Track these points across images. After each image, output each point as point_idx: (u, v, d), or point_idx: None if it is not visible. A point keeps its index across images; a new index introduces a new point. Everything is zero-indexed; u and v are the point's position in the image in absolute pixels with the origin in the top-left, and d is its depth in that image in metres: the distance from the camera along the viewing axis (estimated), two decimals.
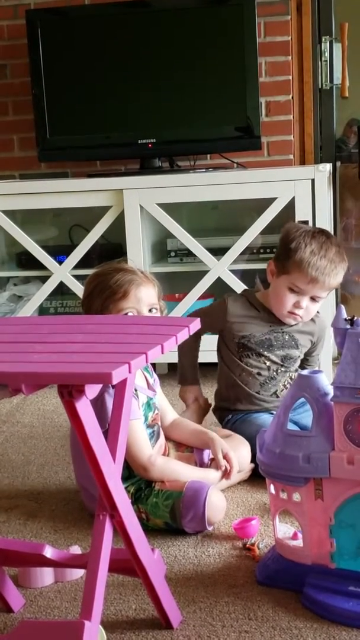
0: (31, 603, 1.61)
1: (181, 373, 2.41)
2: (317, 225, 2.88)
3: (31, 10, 3.31)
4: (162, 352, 1.27)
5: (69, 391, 1.19)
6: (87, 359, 1.22)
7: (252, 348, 2.23)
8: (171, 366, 3.17)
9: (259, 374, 2.25)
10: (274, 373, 2.25)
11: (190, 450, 2.08)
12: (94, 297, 1.93)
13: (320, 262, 2.10)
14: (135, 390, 1.89)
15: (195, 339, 2.35)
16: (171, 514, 1.83)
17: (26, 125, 3.41)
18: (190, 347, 2.35)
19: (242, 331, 2.23)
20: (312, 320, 2.29)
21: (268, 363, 2.25)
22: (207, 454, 2.04)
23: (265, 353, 2.23)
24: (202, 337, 2.37)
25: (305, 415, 1.99)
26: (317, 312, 2.33)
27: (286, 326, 2.25)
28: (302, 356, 2.30)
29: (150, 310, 1.94)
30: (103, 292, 1.92)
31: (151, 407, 1.97)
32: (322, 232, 2.18)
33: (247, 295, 2.30)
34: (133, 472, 1.90)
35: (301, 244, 2.11)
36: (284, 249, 2.15)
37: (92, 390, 1.21)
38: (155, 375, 2.04)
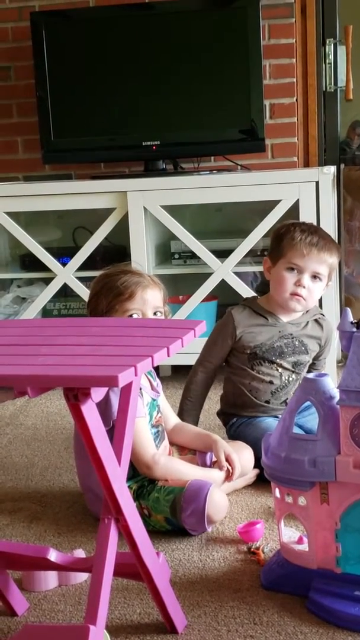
0: (35, 607, 1.60)
1: (182, 411, 2.31)
2: (322, 227, 2.87)
3: (36, 12, 3.31)
4: (168, 355, 1.27)
5: (75, 394, 1.19)
6: (93, 362, 1.22)
7: (264, 357, 2.22)
8: (175, 368, 3.17)
9: (271, 382, 2.23)
10: (286, 381, 2.24)
11: (193, 452, 2.07)
12: (100, 297, 1.95)
13: (311, 237, 2.18)
14: (140, 389, 1.88)
15: (206, 379, 2.30)
16: (172, 508, 1.83)
17: (30, 128, 3.41)
18: (201, 392, 2.30)
19: (253, 341, 2.22)
20: (319, 324, 2.29)
21: (280, 370, 2.23)
22: (209, 457, 2.04)
23: (278, 360, 2.22)
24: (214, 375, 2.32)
25: (311, 419, 1.98)
26: (323, 315, 2.33)
27: (295, 330, 2.24)
28: (310, 361, 2.30)
29: (155, 314, 1.95)
30: (110, 292, 1.93)
31: (155, 406, 1.97)
32: (307, 222, 2.30)
33: (249, 305, 2.29)
34: (137, 471, 1.90)
35: (290, 228, 2.22)
36: (276, 239, 2.24)
37: (98, 394, 1.21)
38: (157, 380, 2.03)
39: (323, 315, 2.35)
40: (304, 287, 2.18)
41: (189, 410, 2.29)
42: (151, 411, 1.94)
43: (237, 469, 1.99)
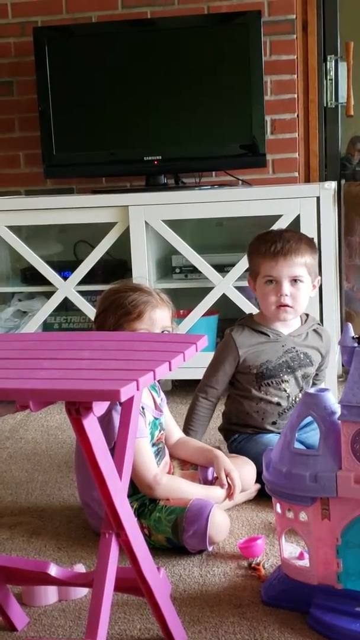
0: (35, 622, 1.60)
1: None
2: (322, 243, 2.89)
3: (38, 27, 3.33)
4: (170, 370, 1.27)
5: (77, 408, 1.19)
6: (95, 376, 1.22)
7: (272, 375, 2.20)
8: (176, 383, 3.16)
9: (278, 403, 2.21)
10: (293, 402, 2.22)
11: (194, 467, 2.07)
12: (108, 314, 1.93)
13: (274, 245, 2.18)
14: (142, 408, 1.88)
15: (210, 406, 2.26)
16: (173, 528, 1.82)
17: (32, 142, 3.42)
18: (203, 421, 2.27)
19: (258, 360, 2.20)
20: (318, 334, 2.29)
21: (288, 390, 2.21)
22: (211, 472, 2.03)
23: (286, 377, 2.21)
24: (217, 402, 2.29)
25: (312, 435, 1.98)
26: (319, 324, 2.33)
27: (297, 342, 2.24)
28: (315, 372, 2.29)
29: (162, 332, 1.94)
30: (118, 310, 1.92)
31: (157, 425, 1.97)
32: (277, 229, 2.34)
33: (247, 324, 2.26)
34: (137, 489, 1.89)
35: (255, 242, 2.24)
36: (249, 257, 2.27)
37: (99, 408, 1.21)
38: (162, 394, 2.03)
39: (320, 324, 2.35)
40: (286, 295, 2.16)
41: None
42: (152, 430, 1.93)
43: (237, 487, 1.98)
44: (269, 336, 2.23)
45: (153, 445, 1.93)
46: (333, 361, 2.93)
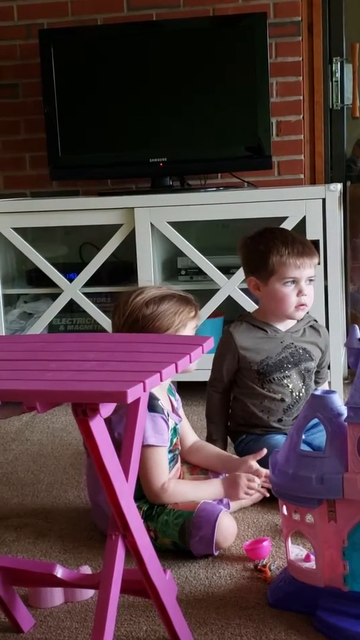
0: (41, 623, 1.60)
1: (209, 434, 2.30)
2: (327, 245, 2.88)
3: (44, 30, 3.33)
4: (177, 371, 1.27)
5: (83, 409, 1.19)
6: (101, 378, 1.22)
7: (273, 371, 2.21)
8: (180, 385, 3.15)
9: (282, 399, 2.22)
10: (297, 397, 2.23)
11: (204, 472, 2.07)
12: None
13: (296, 247, 2.19)
14: (168, 414, 1.89)
15: (221, 398, 2.29)
16: (180, 532, 1.81)
17: (38, 144, 3.43)
18: (221, 411, 2.29)
19: (258, 357, 2.22)
20: (316, 330, 2.31)
21: (291, 386, 2.23)
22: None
23: (287, 372, 2.22)
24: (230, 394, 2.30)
25: (319, 436, 1.97)
26: (316, 320, 2.35)
27: (295, 338, 2.26)
28: (316, 368, 2.30)
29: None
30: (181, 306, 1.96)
31: (177, 432, 1.97)
32: (269, 227, 2.31)
33: (246, 320, 2.28)
34: None
35: (269, 243, 2.21)
36: (256, 258, 2.22)
37: (106, 409, 1.21)
38: (178, 396, 2.03)
39: (316, 320, 2.37)
40: (305, 295, 2.20)
41: (215, 432, 2.27)
42: (172, 437, 1.93)
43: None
44: (267, 332, 2.25)
45: (170, 451, 1.93)
46: (339, 363, 2.94)
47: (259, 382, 2.22)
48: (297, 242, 2.21)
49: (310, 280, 2.22)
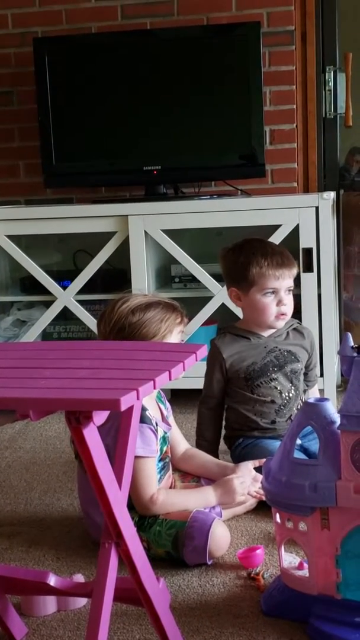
0: (34, 632, 1.59)
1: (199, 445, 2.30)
2: (321, 253, 2.89)
3: (38, 38, 3.34)
4: (170, 379, 1.27)
5: (77, 417, 1.19)
6: (95, 385, 1.22)
7: (259, 375, 2.24)
8: (174, 392, 3.16)
9: (272, 401, 2.25)
10: (287, 397, 2.26)
11: (196, 480, 2.06)
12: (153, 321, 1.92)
13: (274, 258, 2.22)
14: (156, 424, 1.88)
15: (213, 416, 2.31)
16: (173, 543, 1.81)
17: (32, 152, 3.43)
18: (213, 430, 2.31)
19: (244, 364, 2.24)
20: (300, 333, 2.34)
21: (279, 387, 2.25)
22: None
23: (274, 375, 2.24)
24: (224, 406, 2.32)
25: (315, 442, 1.97)
26: (299, 322, 2.39)
27: (278, 342, 2.28)
28: (303, 369, 2.32)
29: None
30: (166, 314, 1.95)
31: (166, 440, 1.97)
32: (249, 239, 2.32)
33: (229, 331, 2.32)
34: None
35: (248, 256, 2.24)
36: (237, 270, 2.25)
37: (99, 417, 1.21)
38: (168, 404, 2.03)
39: (300, 322, 2.40)
40: (285, 304, 2.24)
41: (206, 449, 2.24)
42: (162, 446, 1.93)
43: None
44: (250, 339, 2.28)
45: (160, 460, 1.92)
46: (332, 371, 2.94)
47: (248, 388, 2.25)
48: (276, 253, 2.24)
49: (290, 290, 2.25)
